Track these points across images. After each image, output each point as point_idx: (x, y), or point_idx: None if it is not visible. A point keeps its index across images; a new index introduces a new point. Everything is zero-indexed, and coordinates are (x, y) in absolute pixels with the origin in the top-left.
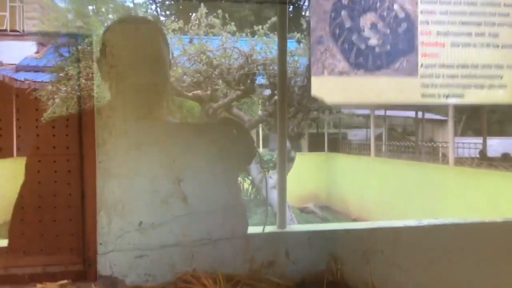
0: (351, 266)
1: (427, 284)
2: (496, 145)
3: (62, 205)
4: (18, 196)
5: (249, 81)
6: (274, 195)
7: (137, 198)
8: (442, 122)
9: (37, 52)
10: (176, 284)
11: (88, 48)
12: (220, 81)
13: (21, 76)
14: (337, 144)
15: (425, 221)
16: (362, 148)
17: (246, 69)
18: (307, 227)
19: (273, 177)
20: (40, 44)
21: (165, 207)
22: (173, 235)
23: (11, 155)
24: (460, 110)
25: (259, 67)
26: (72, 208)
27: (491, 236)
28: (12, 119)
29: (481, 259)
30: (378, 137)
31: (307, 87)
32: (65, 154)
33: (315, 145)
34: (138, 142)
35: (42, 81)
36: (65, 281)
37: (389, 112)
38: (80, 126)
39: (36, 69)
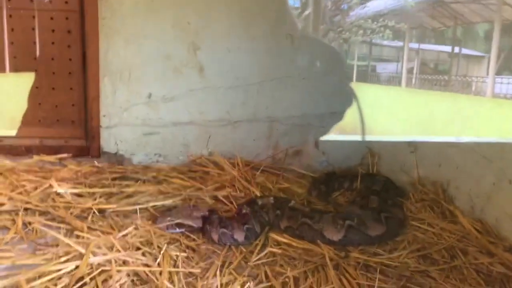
0: (390, 159)
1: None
2: None
3: (62, 71)
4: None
5: None
6: None
7: (146, 65)
8: (479, 58)
9: None
10: (190, 166)
11: None
12: None
13: None
14: (366, 75)
15: (465, 138)
16: (391, 81)
17: None
18: (339, 136)
19: None
20: None
21: (179, 78)
22: (188, 112)
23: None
24: (500, 47)
25: None
26: (72, 75)
27: None
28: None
29: None
30: (409, 70)
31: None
32: (63, 10)
33: None
34: None
35: None
36: (64, 155)
37: (422, 46)
38: None
39: None
